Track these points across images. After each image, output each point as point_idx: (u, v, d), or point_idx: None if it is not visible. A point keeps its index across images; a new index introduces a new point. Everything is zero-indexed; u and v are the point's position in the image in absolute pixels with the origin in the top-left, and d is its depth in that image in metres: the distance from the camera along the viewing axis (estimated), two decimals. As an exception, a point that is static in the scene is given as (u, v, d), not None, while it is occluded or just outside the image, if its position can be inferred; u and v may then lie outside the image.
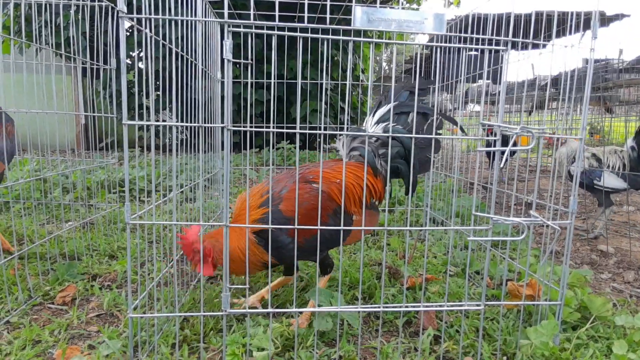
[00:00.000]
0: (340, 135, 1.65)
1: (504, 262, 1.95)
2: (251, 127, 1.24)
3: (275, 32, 1.21)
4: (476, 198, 1.66)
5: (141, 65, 5.76)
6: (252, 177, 3.90)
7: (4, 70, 1.97)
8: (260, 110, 6.19)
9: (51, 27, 2.29)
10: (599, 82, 4.93)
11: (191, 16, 1.65)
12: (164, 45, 1.52)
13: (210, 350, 1.42)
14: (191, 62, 1.73)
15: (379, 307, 1.37)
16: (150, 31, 1.29)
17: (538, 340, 1.36)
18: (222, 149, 2.45)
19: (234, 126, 1.19)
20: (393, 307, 1.59)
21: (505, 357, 1.42)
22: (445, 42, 2.13)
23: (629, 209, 3.90)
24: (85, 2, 2.34)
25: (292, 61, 5.97)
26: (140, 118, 5.15)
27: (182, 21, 1.53)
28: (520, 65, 1.87)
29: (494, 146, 1.26)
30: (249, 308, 1.59)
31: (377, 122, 1.66)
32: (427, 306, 1.47)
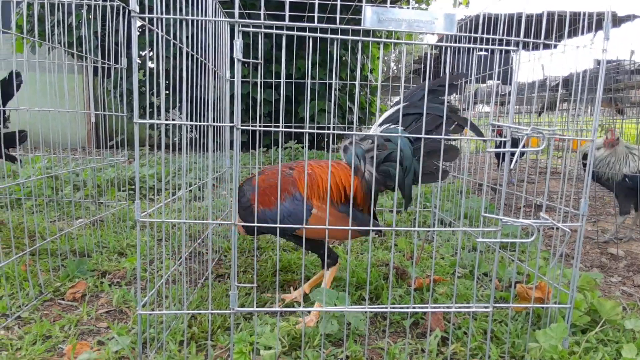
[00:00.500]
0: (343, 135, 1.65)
1: (513, 264, 1.93)
2: (260, 126, 1.24)
3: (285, 31, 1.21)
4: (485, 199, 1.65)
5: (151, 64, 5.81)
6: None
7: (17, 69, 2.00)
8: (269, 109, 6.21)
9: (63, 27, 2.32)
10: (611, 83, 4.87)
11: (201, 16, 1.66)
12: (174, 44, 1.53)
13: (217, 348, 1.43)
14: (201, 61, 1.74)
15: (386, 308, 1.37)
16: (162, 31, 1.31)
17: (547, 343, 1.34)
18: (231, 148, 2.46)
19: (242, 125, 1.20)
20: (400, 307, 1.58)
21: (513, 360, 1.41)
22: (455, 42, 2.12)
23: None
24: (97, 2, 2.36)
25: (301, 61, 5.98)
26: (150, 117, 5.20)
27: (192, 21, 1.54)
28: (531, 66, 1.85)
29: (504, 147, 1.25)
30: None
31: (382, 124, 1.62)
32: (434, 307, 1.47)
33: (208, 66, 1.79)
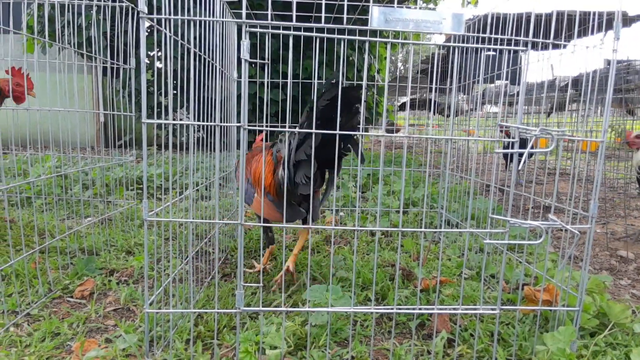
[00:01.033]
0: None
1: (521, 266, 1.92)
2: (267, 126, 1.25)
3: (292, 32, 1.21)
4: (492, 200, 1.64)
5: (159, 64, 5.85)
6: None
7: (27, 69, 2.02)
8: (275, 109, 6.22)
9: (73, 27, 2.34)
10: (621, 84, 4.81)
11: (209, 16, 1.67)
12: (182, 45, 1.54)
13: (223, 347, 1.44)
14: (208, 61, 1.75)
15: (392, 309, 1.37)
16: (170, 31, 1.32)
17: (555, 346, 1.33)
18: (238, 148, 2.47)
19: (249, 125, 1.20)
20: (406, 309, 1.58)
21: (520, 363, 1.40)
22: (463, 42, 2.10)
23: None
24: (106, 3, 2.38)
25: (308, 61, 5.99)
26: (158, 117, 5.23)
27: (200, 21, 1.55)
28: (540, 66, 1.83)
29: (512, 148, 1.24)
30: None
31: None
32: (441, 309, 1.46)
33: (215, 66, 1.80)
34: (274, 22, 1.15)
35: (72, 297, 1.80)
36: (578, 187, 3.66)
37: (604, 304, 1.58)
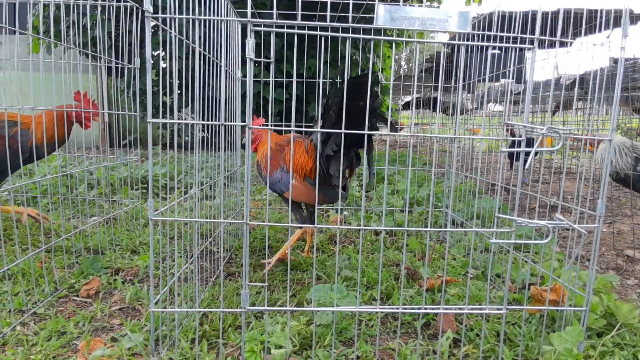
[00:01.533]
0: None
1: (527, 265, 1.91)
2: (271, 125, 1.24)
3: (296, 31, 1.21)
4: (497, 200, 1.63)
5: (163, 64, 5.87)
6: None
7: (33, 69, 2.03)
8: (279, 109, 6.23)
9: (78, 28, 2.35)
10: (627, 82, 4.77)
11: (213, 16, 1.67)
12: (187, 44, 1.54)
13: (228, 347, 1.44)
14: (213, 60, 1.75)
15: (397, 309, 1.36)
16: (175, 31, 1.32)
17: (562, 346, 1.32)
18: (242, 147, 2.47)
19: (254, 125, 1.20)
20: (412, 308, 1.57)
21: (526, 363, 1.39)
22: (468, 40, 2.09)
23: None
24: (111, 3, 2.39)
25: (311, 60, 5.99)
26: (162, 116, 5.23)
27: (204, 20, 1.55)
28: (546, 64, 1.82)
29: (518, 147, 1.23)
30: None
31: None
32: (446, 308, 1.45)
33: (220, 66, 1.80)
34: (278, 21, 1.15)
35: (77, 296, 1.81)
36: (584, 186, 3.64)
37: (612, 304, 1.57)
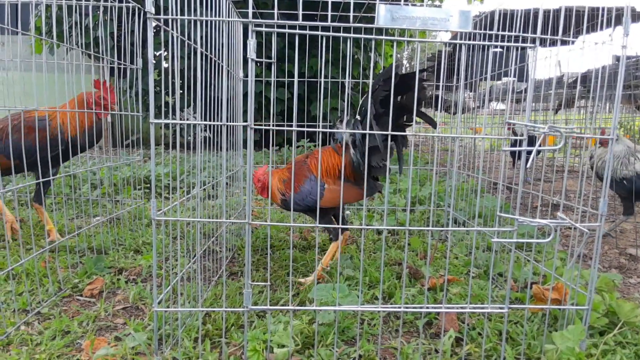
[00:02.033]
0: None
1: (529, 264, 1.90)
2: (273, 125, 1.25)
3: (297, 31, 1.21)
4: (499, 199, 1.63)
5: (165, 64, 5.88)
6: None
7: (36, 70, 2.04)
8: (281, 108, 6.23)
9: (80, 28, 2.36)
10: (630, 80, 4.75)
11: (215, 16, 1.68)
12: (188, 44, 1.54)
13: (231, 346, 1.45)
14: (214, 61, 1.75)
15: (399, 308, 1.37)
16: (177, 31, 1.32)
17: (564, 345, 1.32)
18: (244, 147, 2.47)
19: (256, 125, 1.20)
20: (414, 307, 1.58)
21: (529, 362, 1.39)
22: (470, 39, 2.09)
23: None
24: (113, 3, 2.40)
25: (313, 59, 5.99)
26: (165, 116, 5.26)
27: (206, 21, 1.55)
28: (548, 63, 1.82)
29: (520, 146, 1.23)
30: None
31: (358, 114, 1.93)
32: (448, 308, 1.46)
33: (221, 65, 1.81)
34: (280, 22, 1.15)
35: (81, 295, 1.82)
36: (587, 185, 3.63)
37: (614, 302, 1.57)
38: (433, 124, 1.73)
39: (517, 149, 1.26)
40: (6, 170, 2.13)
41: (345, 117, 1.82)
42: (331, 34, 1.21)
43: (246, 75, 2.45)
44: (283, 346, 1.36)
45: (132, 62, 2.56)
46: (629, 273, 2.30)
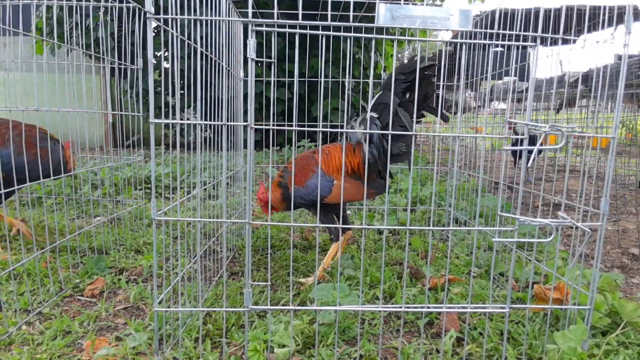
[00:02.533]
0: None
1: (530, 264, 1.90)
2: (274, 125, 1.25)
3: (298, 30, 1.21)
4: (501, 198, 1.62)
5: (165, 64, 5.88)
6: (274, 175, 3.94)
7: (37, 71, 2.04)
8: (281, 108, 6.24)
9: (81, 29, 2.36)
10: (632, 79, 4.73)
11: (215, 16, 1.67)
12: (189, 44, 1.54)
13: (232, 346, 1.44)
14: (215, 61, 1.75)
15: (400, 307, 1.36)
16: (177, 31, 1.32)
17: (566, 345, 1.32)
18: (245, 147, 2.47)
19: (257, 124, 1.20)
20: (415, 307, 1.57)
21: (530, 362, 1.39)
22: (471, 38, 2.08)
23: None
24: (113, 4, 2.40)
25: (314, 59, 5.99)
26: (165, 116, 5.27)
27: (206, 21, 1.55)
28: (549, 62, 1.81)
29: (521, 145, 1.23)
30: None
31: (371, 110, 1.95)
32: (449, 307, 1.45)
33: (222, 65, 1.81)
34: (280, 21, 1.15)
35: (82, 295, 1.82)
36: (588, 184, 3.61)
37: (616, 302, 1.56)
38: (445, 118, 1.80)
39: (518, 148, 1.26)
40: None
41: (350, 119, 1.87)
42: (331, 33, 1.21)
43: (246, 75, 2.45)
44: (284, 346, 1.36)
45: (132, 62, 2.56)
46: (631, 273, 2.30)
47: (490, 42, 1.31)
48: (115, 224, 2.67)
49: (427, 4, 1.18)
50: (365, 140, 1.84)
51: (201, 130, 1.43)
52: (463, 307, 1.47)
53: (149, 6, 1.13)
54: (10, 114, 2.14)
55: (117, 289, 1.90)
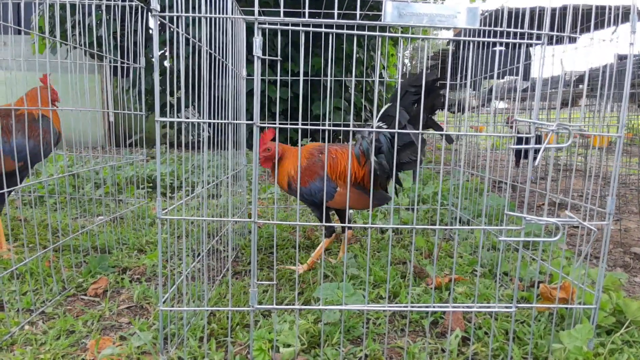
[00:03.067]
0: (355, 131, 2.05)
1: (536, 263, 1.90)
2: (279, 124, 1.24)
3: (301, 28, 1.20)
4: (504, 197, 1.62)
5: (166, 63, 5.87)
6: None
7: (39, 70, 2.04)
8: (283, 107, 6.23)
9: (83, 27, 2.36)
10: (633, 79, 4.73)
11: (220, 14, 1.67)
12: (193, 43, 1.54)
13: (237, 345, 1.44)
14: (218, 59, 1.75)
15: (406, 307, 1.36)
16: (182, 29, 1.31)
17: (572, 344, 1.31)
18: (247, 146, 2.47)
19: (261, 123, 1.20)
20: (420, 307, 1.57)
21: (536, 361, 1.38)
22: (477, 36, 2.07)
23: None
24: (115, 2, 2.39)
25: (315, 58, 5.98)
26: (167, 115, 5.24)
27: (210, 18, 1.54)
28: (552, 61, 1.80)
29: (527, 144, 1.22)
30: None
31: (378, 121, 1.98)
32: (455, 307, 1.45)
33: (225, 64, 1.80)
34: (285, 19, 1.14)
35: (85, 295, 1.81)
36: (590, 184, 3.61)
37: (621, 301, 1.56)
38: (449, 140, 1.95)
39: (523, 146, 1.25)
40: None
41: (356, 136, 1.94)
42: (335, 31, 1.21)
43: (249, 74, 2.44)
44: (289, 345, 1.35)
45: (135, 61, 2.56)
46: (633, 272, 2.29)
47: (496, 39, 1.31)
48: (118, 223, 2.66)
49: (432, 2, 1.18)
50: (371, 152, 1.88)
51: (206, 128, 1.43)
52: (469, 307, 1.46)
53: (155, 3, 1.12)
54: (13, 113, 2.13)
55: (121, 288, 1.89)
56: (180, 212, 2.00)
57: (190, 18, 1.28)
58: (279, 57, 1.24)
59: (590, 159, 2.78)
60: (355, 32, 1.20)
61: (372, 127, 1.96)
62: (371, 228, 1.38)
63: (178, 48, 1.29)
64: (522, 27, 1.46)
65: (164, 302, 1.30)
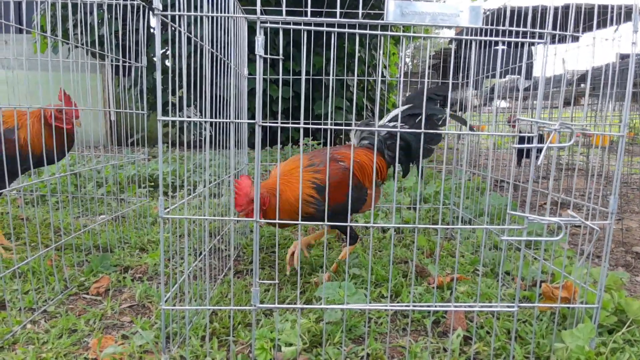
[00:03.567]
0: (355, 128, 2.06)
1: (538, 263, 1.89)
2: (281, 123, 1.24)
3: (303, 27, 1.20)
4: (506, 197, 1.62)
5: (167, 62, 5.87)
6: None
7: (40, 69, 2.04)
8: (284, 106, 6.23)
9: (84, 27, 2.36)
10: (636, 78, 4.72)
11: (221, 13, 1.67)
12: (195, 41, 1.54)
13: (239, 344, 1.44)
14: (220, 58, 1.75)
15: (408, 306, 1.36)
16: (184, 28, 1.31)
17: (574, 344, 1.31)
18: (249, 145, 2.47)
19: (264, 122, 1.20)
20: (421, 306, 1.57)
21: (538, 360, 1.38)
22: (479, 35, 2.07)
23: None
24: (117, 1, 2.39)
25: (316, 57, 5.98)
26: (169, 114, 5.26)
27: (211, 18, 1.54)
28: (554, 60, 1.80)
29: (530, 143, 1.22)
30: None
31: (390, 121, 2.04)
32: (457, 306, 1.45)
33: (228, 63, 1.80)
34: (287, 18, 1.14)
35: (87, 293, 1.82)
36: (592, 183, 3.60)
37: (622, 300, 1.56)
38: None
39: (526, 146, 1.25)
40: None
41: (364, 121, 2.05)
42: (336, 29, 1.20)
43: (250, 73, 2.44)
44: (291, 344, 1.36)
45: (136, 60, 2.56)
46: (635, 271, 2.29)
47: (498, 38, 1.31)
48: (120, 222, 2.67)
49: (435, 0, 1.18)
50: (385, 147, 1.97)
51: (208, 127, 1.43)
52: (471, 306, 1.46)
53: (157, 2, 1.12)
54: (15, 112, 2.13)
55: (123, 287, 1.90)
56: (182, 211, 2.00)
57: (192, 17, 1.28)
58: (280, 56, 1.24)
59: (593, 158, 2.78)
60: (357, 31, 1.20)
61: (374, 125, 2.02)
62: (373, 227, 1.38)
63: (180, 47, 1.29)
64: (524, 26, 1.46)
65: (166, 301, 1.30)
